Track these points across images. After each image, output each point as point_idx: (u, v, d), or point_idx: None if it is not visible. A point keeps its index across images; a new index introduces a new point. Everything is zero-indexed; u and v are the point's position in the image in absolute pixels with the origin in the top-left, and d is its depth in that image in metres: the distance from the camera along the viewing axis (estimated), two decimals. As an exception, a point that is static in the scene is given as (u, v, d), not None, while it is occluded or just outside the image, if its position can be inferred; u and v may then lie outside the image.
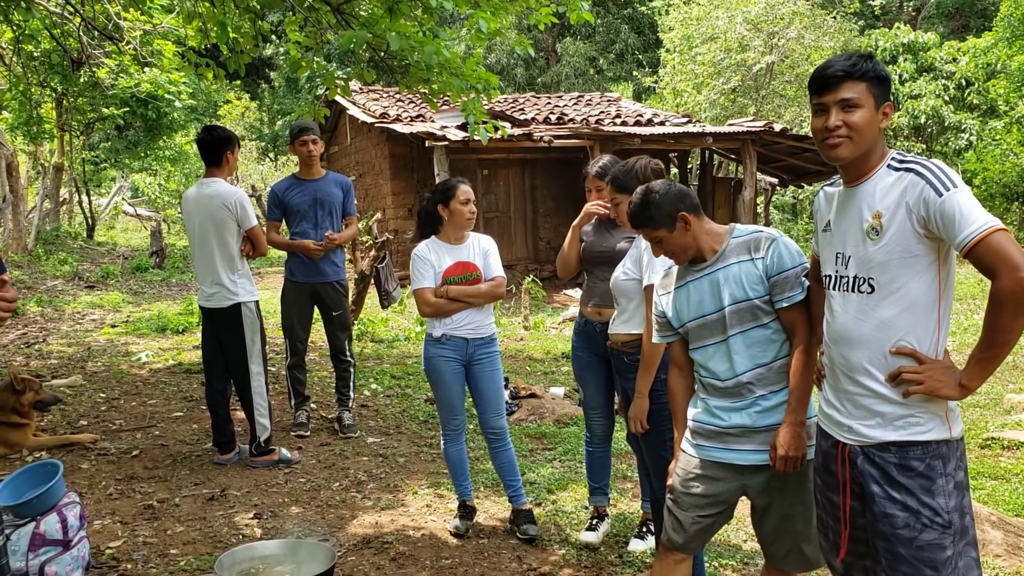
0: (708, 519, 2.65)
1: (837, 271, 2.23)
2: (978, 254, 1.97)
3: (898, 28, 19.77)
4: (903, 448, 2.10)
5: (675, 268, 2.73)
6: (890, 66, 18.60)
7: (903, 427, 2.11)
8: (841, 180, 2.26)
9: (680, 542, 2.67)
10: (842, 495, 2.22)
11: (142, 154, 19.74)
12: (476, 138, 6.26)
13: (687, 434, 2.72)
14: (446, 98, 6.95)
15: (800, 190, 20.04)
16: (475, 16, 5.33)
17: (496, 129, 6.43)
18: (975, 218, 1.97)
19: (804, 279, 2.51)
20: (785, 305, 2.51)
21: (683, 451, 2.71)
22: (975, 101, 18.64)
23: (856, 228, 2.17)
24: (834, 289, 2.24)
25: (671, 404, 2.82)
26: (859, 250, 2.16)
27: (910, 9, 27.06)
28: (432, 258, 3.86)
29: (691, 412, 2.70)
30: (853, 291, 2.18)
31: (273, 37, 22.98)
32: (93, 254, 16.21)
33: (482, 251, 3.92)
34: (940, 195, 2.01)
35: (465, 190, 3.84)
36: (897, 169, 2.13)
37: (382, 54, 6.02)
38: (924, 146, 18.75)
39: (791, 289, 2.50)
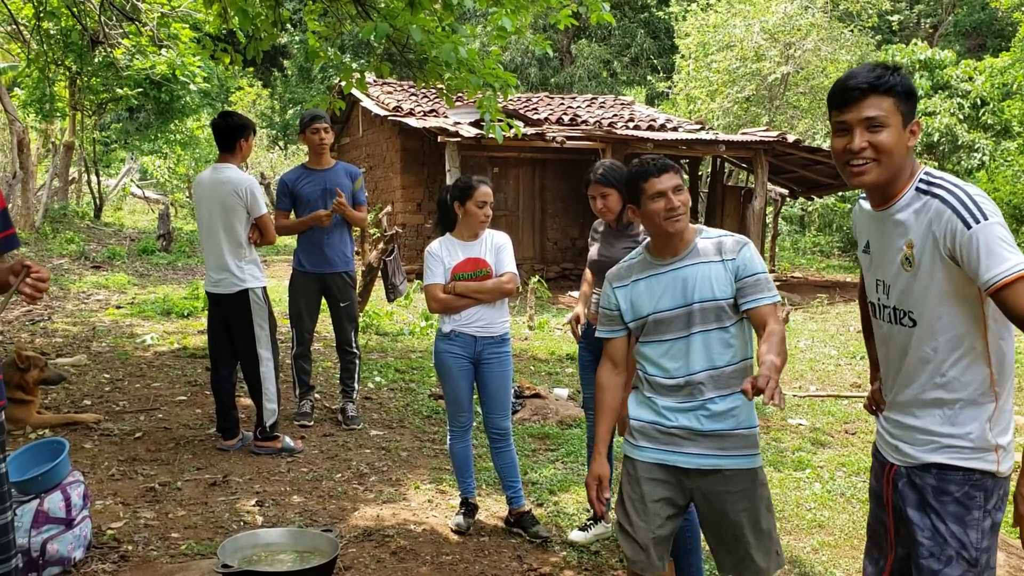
0: (662, 528, 2.57)
1: (879, 299, 2.10)
2: (1005, 298, 1.81)
3: (915, 44, 19.70)
4: (943, 471, 1.99)
5: (632, 261, 2.68)
6: (906, 82, 18.51)
7: (947, 450, 1.99)
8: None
9: (644, 560, 2.57)
10: (889, 517, 2.16)
11: (152, 137, 19.78)
12: (491, 136, 6.25)
13: (628, 437, 2.66)
14: (462, 95, 6.93)
15: (810, 202, 20.00)
16: (496, 14, 5.31)
17: (510, 127, 6.41)
18: (1005, 257, 1.80)
19: (773, 285, 2.50)
20: (752, 307, 2.48)
21: (624, 467, 2.64)
22: (989, 121, 18.57)
23: (892, 255, 2.02)
24: (879, 318, 2.13)
25: (597, 398, 2.72)
26: (897, 280, 2.02)
27: (927, 26, 27.00)
28: (443, 255, 3.84)
29: (634, 411, 2.63)
30: (896, 323, 2.05)
31: (288, 25, 22.96)
32: (100, 234, 16.21)
33: (495, 247, 3.87)
34: (968, 227, 1.84)
35: (484, 192, 3.79)
36: (924, 192, 1.95)
37: (400, 48, 6.01)
38: (936, 164, 18.70)
39: (759, 292, 2.47)
